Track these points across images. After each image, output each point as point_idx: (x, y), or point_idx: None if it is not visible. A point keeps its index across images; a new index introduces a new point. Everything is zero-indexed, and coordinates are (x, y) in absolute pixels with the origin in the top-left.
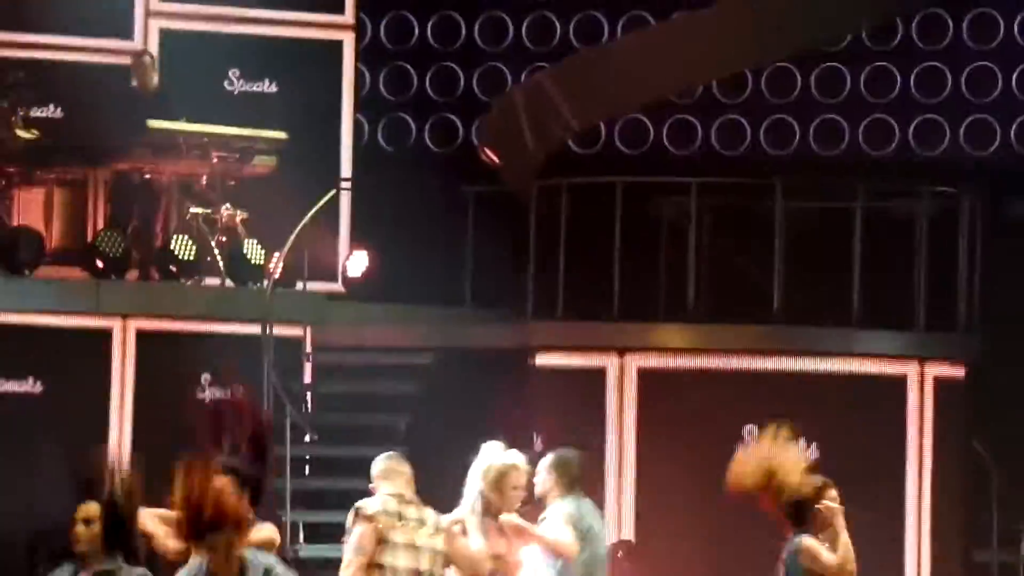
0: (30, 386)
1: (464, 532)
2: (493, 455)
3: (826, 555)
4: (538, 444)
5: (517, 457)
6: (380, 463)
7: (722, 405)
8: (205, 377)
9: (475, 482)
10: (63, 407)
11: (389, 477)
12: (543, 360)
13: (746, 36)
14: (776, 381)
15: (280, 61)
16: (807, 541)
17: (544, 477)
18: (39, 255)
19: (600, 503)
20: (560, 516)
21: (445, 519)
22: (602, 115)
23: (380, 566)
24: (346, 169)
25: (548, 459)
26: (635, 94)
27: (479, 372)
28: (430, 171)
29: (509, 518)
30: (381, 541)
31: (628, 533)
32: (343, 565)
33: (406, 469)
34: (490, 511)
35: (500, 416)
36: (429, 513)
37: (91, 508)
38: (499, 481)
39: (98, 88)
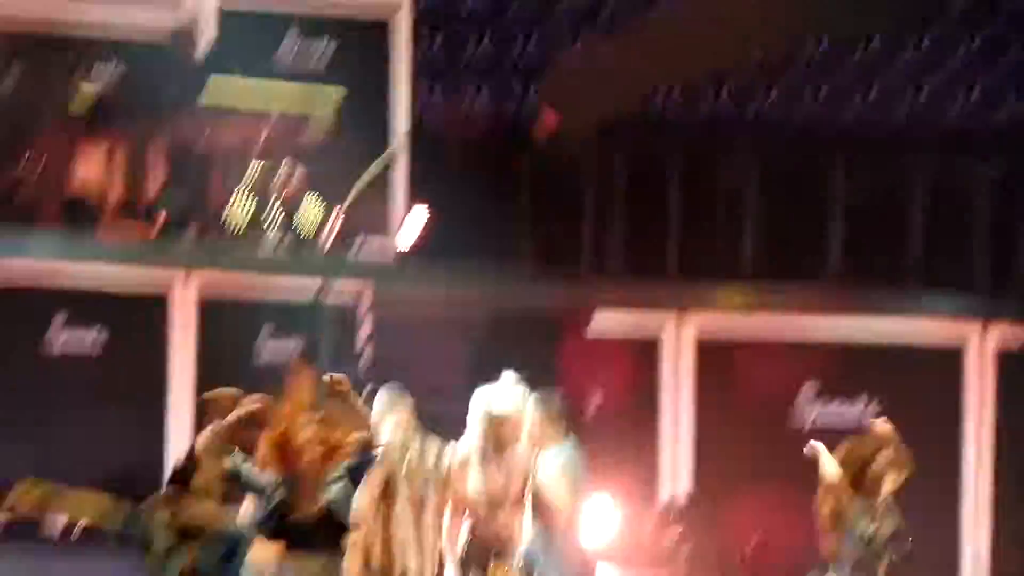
0: (91, 342)
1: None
2: (494, 397)
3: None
4: (594, 403)
5: (517, 400)
6: (383, 396)
7: (779, 368)
8: (265, 334)
9: (475, 422)
10: (124, 363)
11: (393, 409)
12: (599, 319)
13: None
14: (833, 344)
15: (337, 21)
16: None
17: (538, 420)
18: (100, 212)
19: (654, 466)
20: (561, 467)
21: (448, 451)
22: (661, 80)
23: (387, 494)
24: (403, 127)
25: (537, 400)
26: (696, 60)
27: (535, 331)
28: (488, 130)
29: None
30: (390, 475)
31: (683, 495)
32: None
33: (407, 401)
34: (488, 452)
35: (556, 374)
36: (432, 441)
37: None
38: (498, 423)
39: (159, 47)
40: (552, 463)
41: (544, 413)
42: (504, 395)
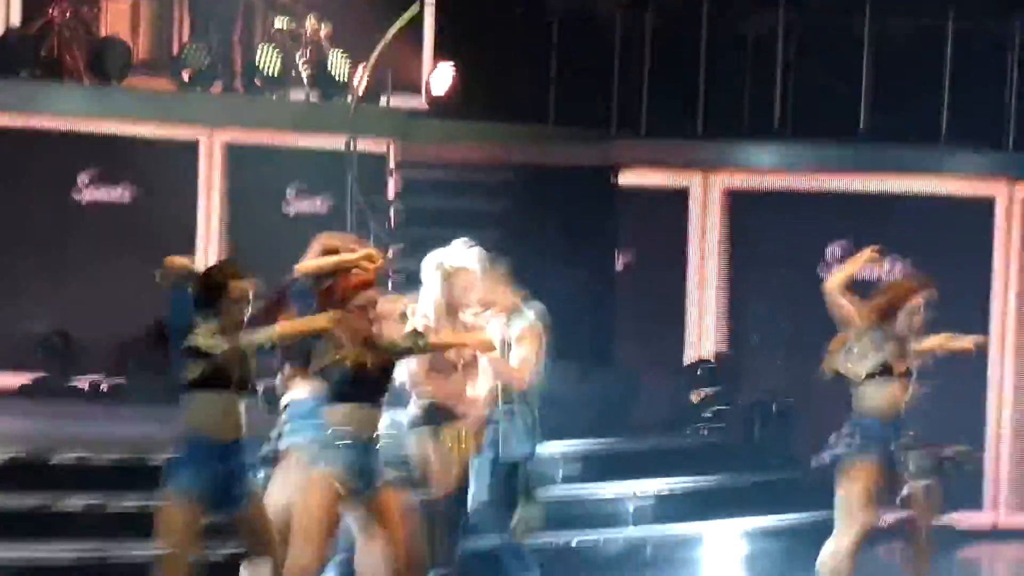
0: (120, 195)
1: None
2: (446, 255)
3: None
4: (621, 262)
5: (473, 257)
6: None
7: (805, 224)
8: (291, 191)
9: (431, 279)
10: (152, 216)
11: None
12: (626, 178)
13: None
14: (861, 200)
15: None
16: None
17: (491, 280)
18: (126, 65)
19: (681, 322)
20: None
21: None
22: None
23: None
24: None
25: (484, 257)
26: None
27: (563, 190)
28: None
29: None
30: None
31: (708, 352)
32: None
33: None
34: (443, 311)
35: (583, 233)
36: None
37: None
38: (451, 280)
39: None
40: (513, 326)
41: (495, 274)
42: (457, 254)
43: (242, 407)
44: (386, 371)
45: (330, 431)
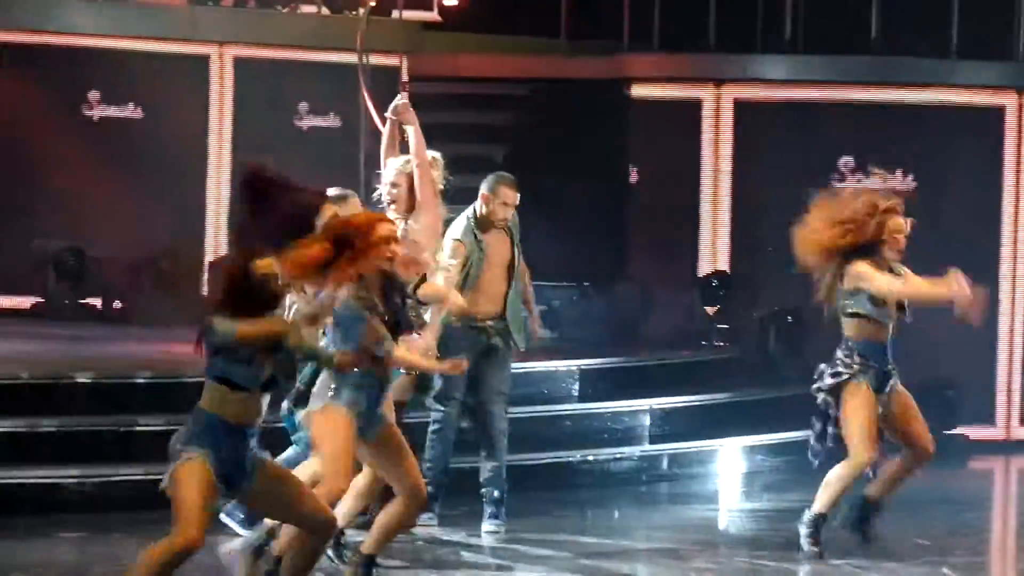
0: (131, 111)
1: None
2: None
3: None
4: (634, 175)
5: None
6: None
7: (818, 136)
8: (302, 106)
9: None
10: (163, 132)
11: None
12: (639, 91)
13: None
14: (873, 112)
15: None
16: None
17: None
18: None
19: (695, 235)
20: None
21: None
22: None
23: None
24: None
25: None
26: None
27: (575, 103)
28: None
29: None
30: None
31: (723, 263)
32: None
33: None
34: None
35: (595, 147)
36: None
37: None
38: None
39: None
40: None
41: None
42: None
43: (266, 399)
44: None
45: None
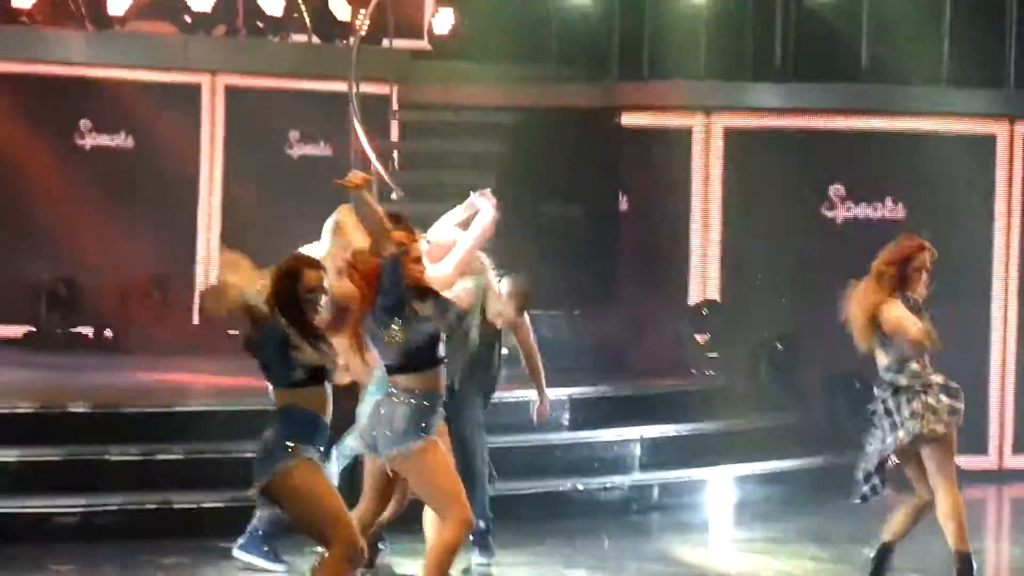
0: (122, 140)
1: None
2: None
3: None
4: (623, 203)
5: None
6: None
7: (808, 164)
8: (293, 134)
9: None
10: (155, 160)
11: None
12: (629, 120)
13: None
14: (864, 140)
15: None
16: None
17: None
18: (128, 10)
19: (685, 263)
20: None
21: None
22: None
23: None
24: None
25: None
26: None
27: (565, 131)
28: None
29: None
30: None
31: (714, 292)
32: None
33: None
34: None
35: (585, 175)
36: None
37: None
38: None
39: None
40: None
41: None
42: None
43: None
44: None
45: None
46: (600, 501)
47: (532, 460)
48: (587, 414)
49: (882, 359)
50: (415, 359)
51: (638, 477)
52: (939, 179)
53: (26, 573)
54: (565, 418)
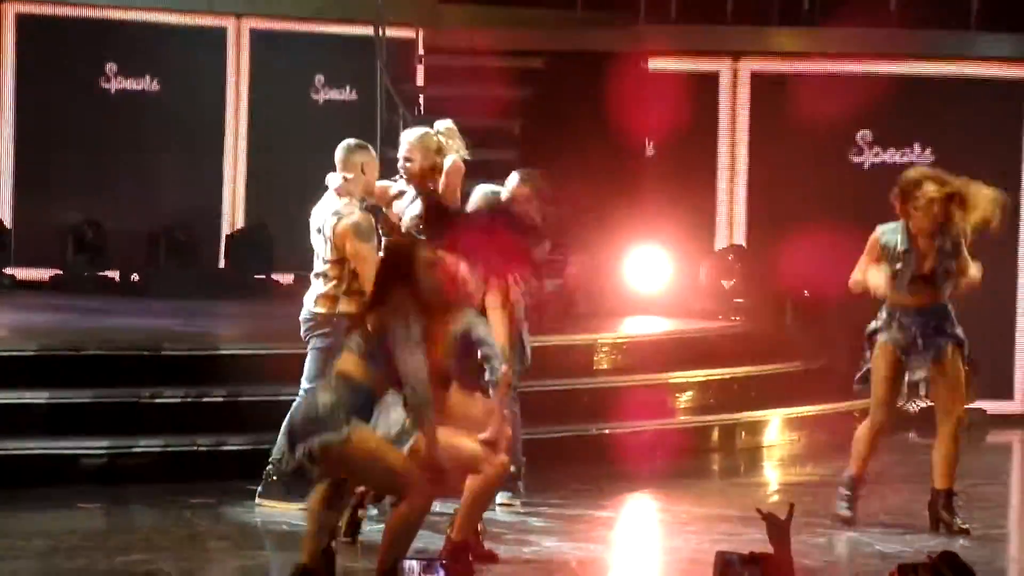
0: (148, 83)
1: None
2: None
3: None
4: (650, 148)
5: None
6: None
7: (836, 109)
8: (319, 78)
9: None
10: (180, 104)
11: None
12: (656, 64)
13: None
14: (891, 85)
15: None
16: None
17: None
18: None
19: (712, 208)
20: None
21: None
22: None
23: None
24: None
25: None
26: None
27: (592, 76)
28: None
29: None
30: None
31: (739, 238)
32: None
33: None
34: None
35: (612, 121)
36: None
37: None
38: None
39: None
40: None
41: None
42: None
43: None
44: None
45: None
46: (628, 446)
47: (559, 405)
48: (615, 359)
49: None
50: None
51: (666, 422)
52: (967, 124)
53: (53, 511)
54: (594, 362)
